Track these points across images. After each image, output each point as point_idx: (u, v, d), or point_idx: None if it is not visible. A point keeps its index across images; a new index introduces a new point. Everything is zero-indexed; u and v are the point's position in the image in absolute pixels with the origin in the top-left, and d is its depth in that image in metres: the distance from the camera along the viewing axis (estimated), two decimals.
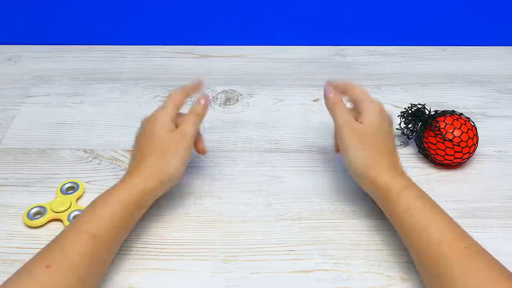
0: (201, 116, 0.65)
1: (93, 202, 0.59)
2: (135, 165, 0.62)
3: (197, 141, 0.67)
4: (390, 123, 0.65)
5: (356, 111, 0.64)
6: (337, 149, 0.66)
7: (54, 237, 0.63)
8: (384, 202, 0.60)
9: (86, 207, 0.58)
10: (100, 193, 0.59)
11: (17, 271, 0.52)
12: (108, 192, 0.59)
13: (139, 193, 0.60)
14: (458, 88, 0.87)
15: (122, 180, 0.61)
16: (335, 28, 0.95)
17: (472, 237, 0.54)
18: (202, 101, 0.66)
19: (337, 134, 0.64)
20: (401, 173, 0.61)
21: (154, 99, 0.85)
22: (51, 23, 0.96)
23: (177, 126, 0.64)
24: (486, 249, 0.53)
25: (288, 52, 0.95)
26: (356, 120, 0.63)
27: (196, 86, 0.68)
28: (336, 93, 0.66)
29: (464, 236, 0.54)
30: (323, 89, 0.67)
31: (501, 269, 0.51)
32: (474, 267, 0.51)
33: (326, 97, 0.66)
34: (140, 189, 0.60)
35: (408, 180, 0.60)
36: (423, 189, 0.59)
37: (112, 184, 0.70)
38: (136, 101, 0.85)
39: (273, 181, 0.71)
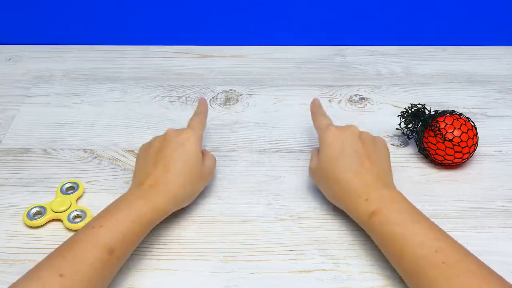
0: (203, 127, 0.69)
1: (110, 212, 0.57)
2: (162, 180, 0.61)
3: None
4: (347, 142, 0.63)
5: None
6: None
7: (54, 237, 0.63)
8: (363, 228, 0.61)
9: (103, 216, 0.57)
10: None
11: (27, 275, 0.51)
12: (131, 205, 0.58)
13: (160, 213, 0.60)
14: (458, 88, 0.87)
15: (149, 196, 0.60)
16: (335, 28, 0.95)
17: (450, 241, 0.54)
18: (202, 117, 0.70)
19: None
20: (365, 196, 0.59)
21: (154, 99, 0.85)
22: (51, 23, 0.96)
23: None
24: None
25: (288, 52, 0.95)
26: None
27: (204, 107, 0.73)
28: (321, 110, 0.72)
29: (441, 248, 0.52)
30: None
31: (483, 275, 0.50)
32: (456, 282, 0.50)
33: (312, 104, 0.72)
34: (165, 209, 0.60)
35: (375, 201, 0.58)
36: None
37: (112, 184, 0.70)
38: (136, 101, 0.85)
39: (273, 181, 0.71)
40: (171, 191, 0.61)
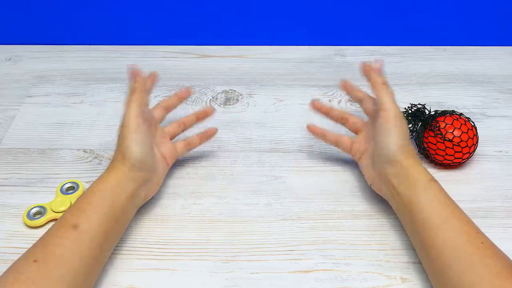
0: (138, 92, 0.65)
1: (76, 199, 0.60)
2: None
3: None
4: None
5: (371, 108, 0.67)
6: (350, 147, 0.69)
7: None
8: (410, 187, 0.59)
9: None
10: None
11: (5, 271, 0.52)
12: (90, 186, 0.60)
13: (114, 180, 0.60)
14: (458, 88, 0.87)
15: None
16: (335, 28, 0.95)
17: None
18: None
19: (373, 118, 0.65)
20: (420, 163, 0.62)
21: (154, 99, 0.85)
22: (51, 23, 0.96)
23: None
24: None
25: (288, 52, 0.95)
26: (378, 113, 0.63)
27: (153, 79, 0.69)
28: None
29: (481, 233, 0.55)
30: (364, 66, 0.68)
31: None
32: (487, 263, 0.52)
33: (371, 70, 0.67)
34: (114, 176, 0.60)
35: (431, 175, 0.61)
36: None
37: None
38: None
39: (273, 181, 0.71)
40: (115, 152, 0.62)
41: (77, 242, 0.54)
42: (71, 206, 0.59)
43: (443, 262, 0.53)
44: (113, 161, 0.62)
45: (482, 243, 0.53)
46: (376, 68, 0.67)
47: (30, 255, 0.53)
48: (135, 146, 0.61)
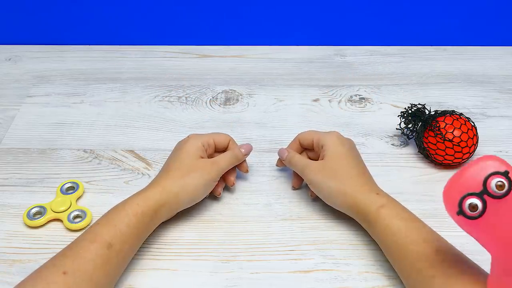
0: (238, 160, 0.67)
1: (109, 211, 0.59)
2: (157, 178, 0.63)
3: (228, 175, 0.68)
4: (352, 145, 0.66)
5: (319, 152, 0.67)
6: (310, 193, 0.68)
7: (54, 237, 0.64)
8: (364, 223, 0.61)
9: (103, 215, 0.58)
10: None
11: (32, 275, 0.52)
12: (125, 201, 0.59)
13: (155, 204, 0.60)
14: (458, 88, 0.87)
15: (141, 191, 0.61)
16: (335, 28, 0.95)
17: (448, 244, 0.55)
18: (243, 150, 0.67)
19: (305, 179, 0.66)
20: (376, 191, 0.61)
21: (154, 99, 0.85)
22: (51, 23, 0.96)
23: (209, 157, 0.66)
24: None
25: (288, 52, 0.95)
26: (322, 159, 0.65)
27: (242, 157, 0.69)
28: (289, 150, 0.68)
29: (441, 248, 0.54)
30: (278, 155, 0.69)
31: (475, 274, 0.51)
32: (453, 280, 0.51)
33: (282, 159, 0.69)
34: (156, 200, 0.60)
35: (384, 197, 0.60)
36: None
37: (111, 184, 0.70)
38: (136, 101, 0.85)
39: (273, 181, 0.71)
40: (162, 183, 0.62)
41: (108, 261, 0.54)
42: (108, 219, 0.57)
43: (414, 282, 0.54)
44: (164, 185, 0.61)
45: (443, 261, 0.52)
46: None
47: (60, 265, 0.52)
48: (201, 191, 0.64)
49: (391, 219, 0.57)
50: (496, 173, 0.44)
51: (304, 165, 0.65)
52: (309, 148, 0.69)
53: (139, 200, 0.59)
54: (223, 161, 0.65)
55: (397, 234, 0.56)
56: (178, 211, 0.64)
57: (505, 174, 0.44)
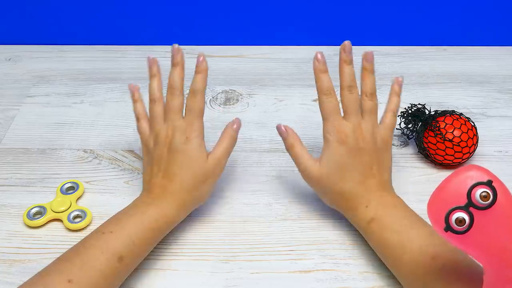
0: (234, 140, 0.65)
1: (121, 218, 0.57)
2: (169, 189, 0.60)
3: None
4: (352, 145, 0.61)
5: None
6: None
7: (54, 237, 0.63)
8: (361, 232, 0.61)
9: (113, 222, 0.56)
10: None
11: (35, 280, 0.50)
12: (140, 210, 0.58)
13: (172, 222, 0.60)
14: (458, 88, 0.87)
15: (155, 200, 0.60)
16: (335, 28, 0.95)
17: (447, 247, 0.53)
18: (235, 126, 0.65)
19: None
20: (365, 203, 0.59)
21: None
22: (51, 23, 0.96)
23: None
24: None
25: (288, 52, 0.95)
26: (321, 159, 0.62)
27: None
28: (289, 132, 0.64)
29: (438, 254, 0.52)
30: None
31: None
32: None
33: (281, 135, 0.65)
34: (173, 217, 0.60)
35: (372, 209, 0.58)
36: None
37: (111, 185, 0.70)
38: None
39: (273, 181, 0.71)
40: (179, 199, 0.60)
41: (117, 274, 0.53)
42: (123, 227, 0.55)
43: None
44: (181, 200, 0.61)
45: (441, 269, 0.51)
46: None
47: (66, 272, 0.50)
48: (210, 194, 0.64)
49: (382, 233, 0.57)
50: (479, 184, 0.42)
51: (303, 170, 0.63)
52: None
53: (158, 215, 0.58)
54: (224, 155, 0.63)
55: (391, 247, 0.56)
56: None
57: (488, 183, 0.42)
